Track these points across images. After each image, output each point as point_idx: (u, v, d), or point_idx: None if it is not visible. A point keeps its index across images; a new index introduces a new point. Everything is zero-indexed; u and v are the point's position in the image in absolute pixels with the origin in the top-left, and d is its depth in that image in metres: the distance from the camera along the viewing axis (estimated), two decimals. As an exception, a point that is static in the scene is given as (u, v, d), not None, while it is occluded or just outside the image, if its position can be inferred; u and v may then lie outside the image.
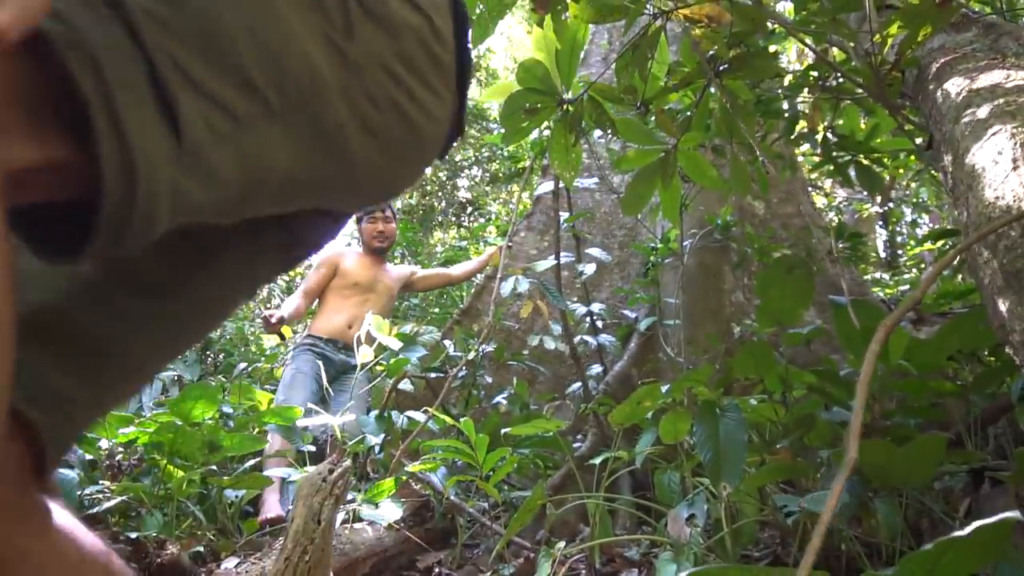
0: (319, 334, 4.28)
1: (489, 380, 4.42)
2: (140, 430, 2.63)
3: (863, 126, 2.72)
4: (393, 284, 4.69)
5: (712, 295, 4.29)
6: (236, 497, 2.94)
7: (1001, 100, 1.21)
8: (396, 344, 3.52)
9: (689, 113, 2.15)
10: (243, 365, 3.86)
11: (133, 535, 2.16)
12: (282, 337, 4.30)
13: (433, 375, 4.16)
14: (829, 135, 2.63)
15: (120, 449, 2.85)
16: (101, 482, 2.60)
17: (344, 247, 4.71)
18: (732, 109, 1.98)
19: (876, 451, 1.56)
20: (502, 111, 2.01)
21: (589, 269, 3.83)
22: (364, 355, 3.45)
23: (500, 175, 11.20)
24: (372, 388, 3.97)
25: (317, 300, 4.54)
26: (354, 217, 4.68)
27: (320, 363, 4.01)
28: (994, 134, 1.13)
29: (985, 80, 1.32)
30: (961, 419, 2.21)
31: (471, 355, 3.89)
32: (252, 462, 3.19)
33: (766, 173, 2.75)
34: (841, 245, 4.25)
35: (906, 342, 2.02)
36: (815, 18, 1.86)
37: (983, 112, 1.21)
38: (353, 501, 2.70)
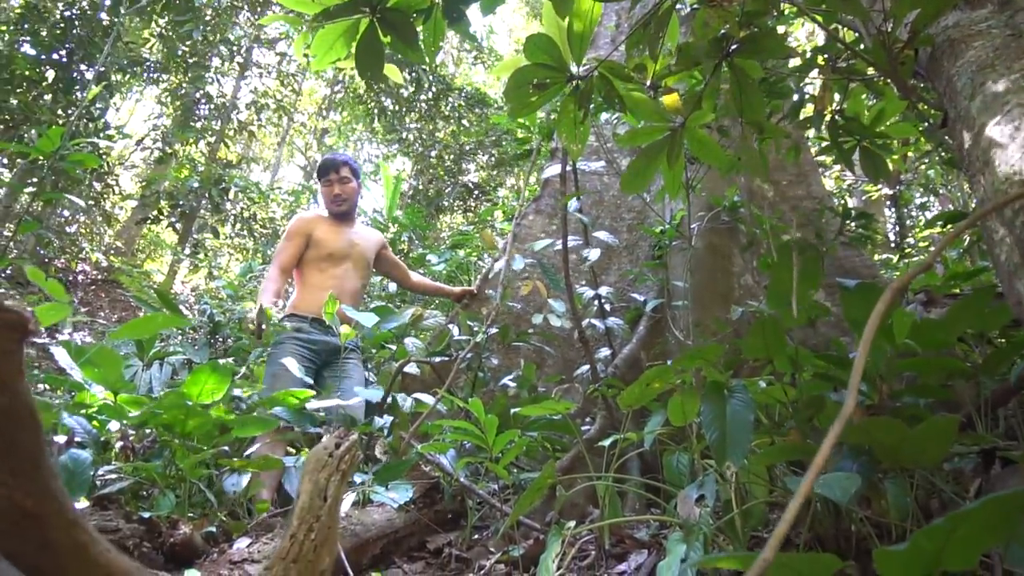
0: (304, 312, 4.04)
1: (495, 362, 4.42)
2: (150, 411, 2.64)
3: (868, 111, 2.70)
4: (367, 249, 4.43)
5: (721, 277, 4.28)
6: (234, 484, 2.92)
7: (1017, 75, 1.20)
8: (370, 320, 3.51)
9: (698, 91, 2.13)
10: (259, 350, 3.82)
11: (146, 515, 2.17)
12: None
13: (438, 359, 4.12)
14: (837, 118, 2.61)
15: (131, 431, 2.86)
16: (114, 463, 2.62)
17: (313, 215, 4.40)
18: (742, 88, 1.97)
19: (887, 431, 1.55)
20: (508, 85, 1.98)
21: (594, 255, 3.80)
22: (344, 335, 3.40)
23: (505, 159, 11.19)
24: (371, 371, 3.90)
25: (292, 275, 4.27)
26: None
27: (305, 351, 3.86)
28: (1011, 109, 1.12)
29: (1001, 56, 1.30)
30: (971, 400, 2.20)
31: (479, 337, 3.88)
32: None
33: (773, 151, 2.72)
34: (852, 225, 4.24)
35: (911, 322, 2.01)
36: (826, -3, 1.85)
37: (999, 88, 1.19)
38: (364, 483, 2.72)
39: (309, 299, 4.05)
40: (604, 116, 4.18)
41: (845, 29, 2.63)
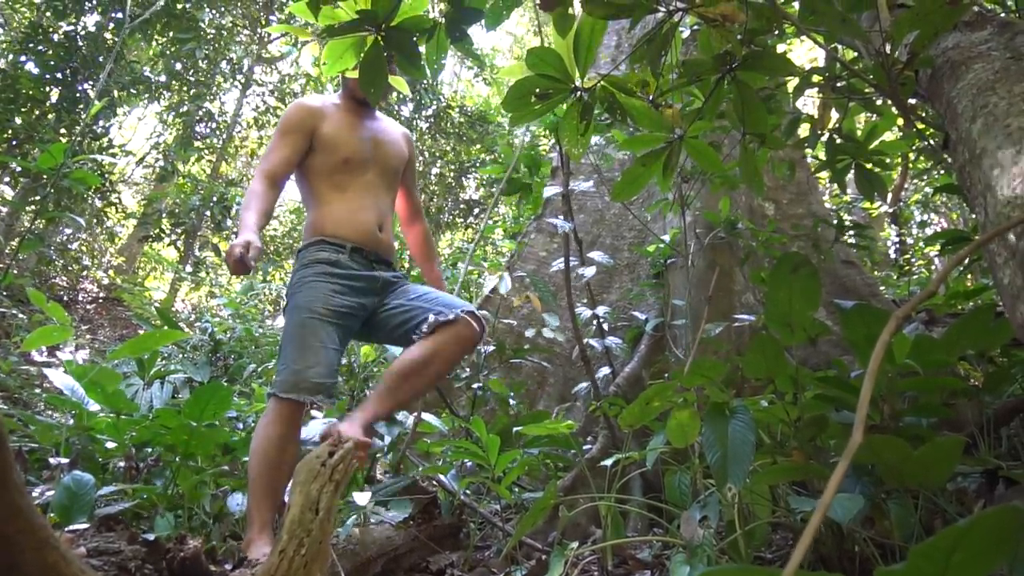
0: (341, 239, 2.74)
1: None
2: (152, 431, 2.64)
3: (859, 128, 2.71)
4: (394, 145, 3.02)
5: (722, 296, 4.28)
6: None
7: (1018, 98, 1.20)
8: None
9: (698, 107, 2.14)
10: (253, 366, 3.75)
11: (150, 536, 2.16)
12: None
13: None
14: (835, 137, 2.62)
15: (133, 451, 2.86)
16: (116, 484, 2.61)
17: (318, 102, 2.95)
18: (745, 101, 1.98)
19: (892, 450, 1.55)
20: (509, 94, 1.99)
21: (589, 272, 3.78)
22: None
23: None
24: None
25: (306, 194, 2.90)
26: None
27: (346, 298, 2.64)
28: (1012, 132, 1.13)
29: (1002, 79, 1.31)
30: (974, 420, 2.20)
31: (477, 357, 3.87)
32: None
33: (772, 171, 2.73)
34: (848, 237, 4.24)
35: (909, 343, 2.01)
36: (824, 18, 1.86)
37: (1000, 110, 1.20)
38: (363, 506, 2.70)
39: (344, 218, 2.77)
40: (596, 139, 4.19)
41: (844, 48, 2.65)
